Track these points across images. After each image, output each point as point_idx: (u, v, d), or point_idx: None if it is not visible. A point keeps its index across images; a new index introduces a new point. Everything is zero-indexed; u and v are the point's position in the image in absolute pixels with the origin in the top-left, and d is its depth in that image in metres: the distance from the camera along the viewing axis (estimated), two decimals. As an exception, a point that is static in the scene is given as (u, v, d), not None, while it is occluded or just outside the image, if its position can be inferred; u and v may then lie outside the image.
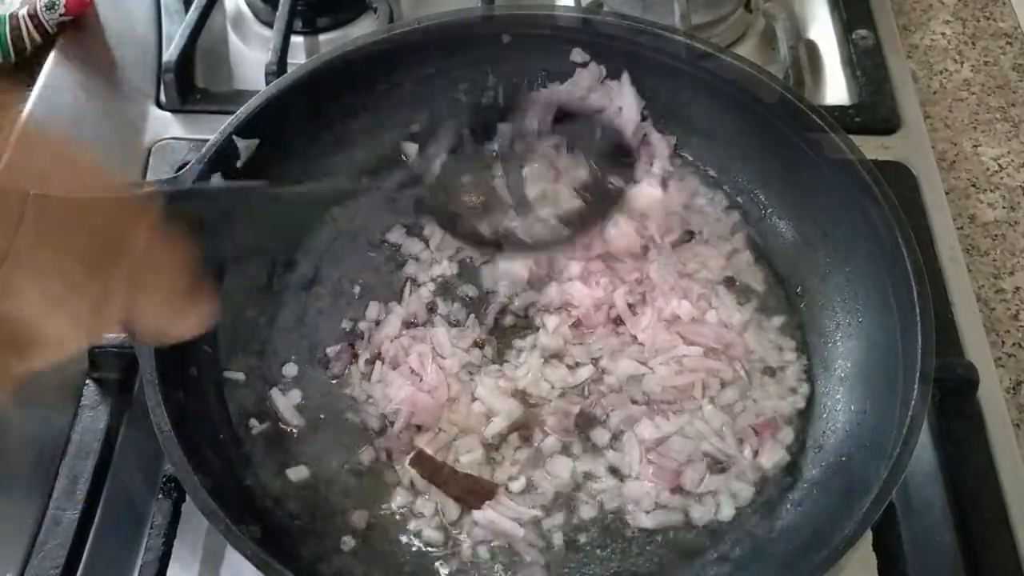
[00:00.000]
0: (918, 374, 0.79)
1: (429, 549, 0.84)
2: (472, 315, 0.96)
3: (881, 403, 0.84)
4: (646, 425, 0.88)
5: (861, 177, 0.89)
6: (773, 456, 0.88)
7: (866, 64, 1.18)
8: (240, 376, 0.92)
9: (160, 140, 1.13)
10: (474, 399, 0.90)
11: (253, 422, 0.90)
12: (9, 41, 1.19)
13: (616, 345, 0.93)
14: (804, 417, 0.91)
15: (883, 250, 0.87)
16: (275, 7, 1.17)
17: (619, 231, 0.97)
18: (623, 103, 1.02)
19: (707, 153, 1.05)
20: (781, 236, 1.01)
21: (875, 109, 1.14)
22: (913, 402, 0.78)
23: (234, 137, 0.91)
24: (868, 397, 0.86)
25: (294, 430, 0.91)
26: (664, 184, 1.01)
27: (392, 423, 0.90)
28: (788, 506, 0.85)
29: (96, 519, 0.86)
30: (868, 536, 0.75)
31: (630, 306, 0.95)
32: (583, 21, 1.00)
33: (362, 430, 0.91)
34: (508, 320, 0.96)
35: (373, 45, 0.99)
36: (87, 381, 0.91)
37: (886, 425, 0.79)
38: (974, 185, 1.15)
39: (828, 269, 0.95)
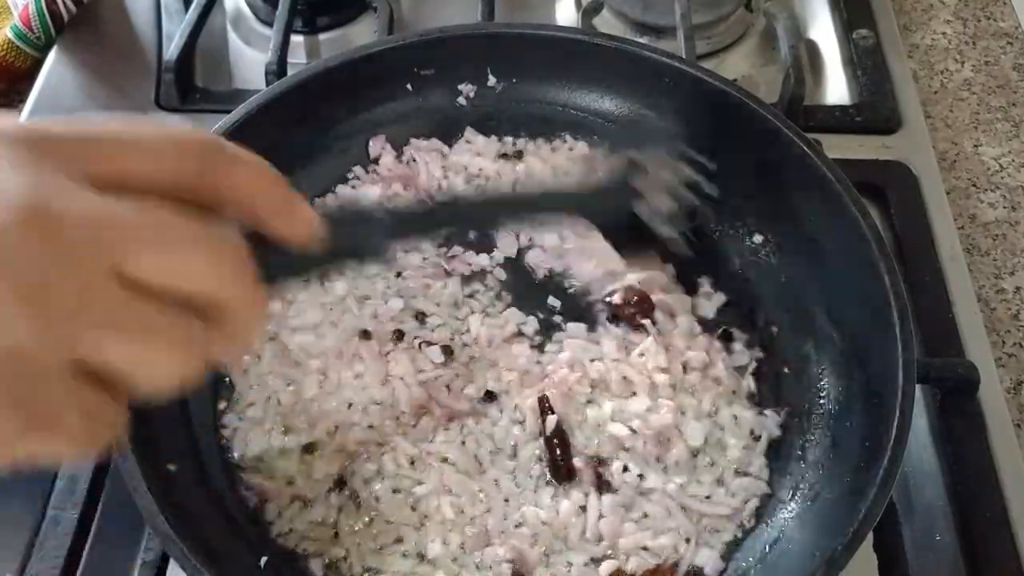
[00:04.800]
0: (900, 366, 0.80)
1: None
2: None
3: (872, 404, 0.83)
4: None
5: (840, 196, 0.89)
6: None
7: (867, 64, 1.18)
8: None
9: (160, 140, 1.13)
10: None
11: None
12: (46, 11, 1.19)
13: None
14: (788, 429, 0.90)
15: (858, 252, 0.87)
16: (275, 6, 1.17)
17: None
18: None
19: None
20: (761, 251, 1.00)
21: (876, 109, 1.14)
22: (900, 395, 0.78)
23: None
24: (859, 399, 0.86)
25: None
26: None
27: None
28: (787, 513, 0.85)
29: (96, 519, 0.86)
30: (868, 536, 0.75)
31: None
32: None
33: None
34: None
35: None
36: (87, 381, 0.91)
37: (880, 424, 0.79)
38: (975, 185, 1.15)
39: (816, 278, 0.94)
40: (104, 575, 0.85)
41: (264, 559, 0.81)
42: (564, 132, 1.06)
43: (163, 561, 0.81)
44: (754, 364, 0.93)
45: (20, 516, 0.86)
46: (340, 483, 0.86)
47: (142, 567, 0.81)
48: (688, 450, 0.87)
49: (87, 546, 0.85)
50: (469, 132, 1.05)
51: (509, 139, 1.06)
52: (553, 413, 0.88)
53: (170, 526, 0.72)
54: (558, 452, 0.86)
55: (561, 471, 0.86)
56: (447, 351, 0.92)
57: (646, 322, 0.94)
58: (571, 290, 0.98)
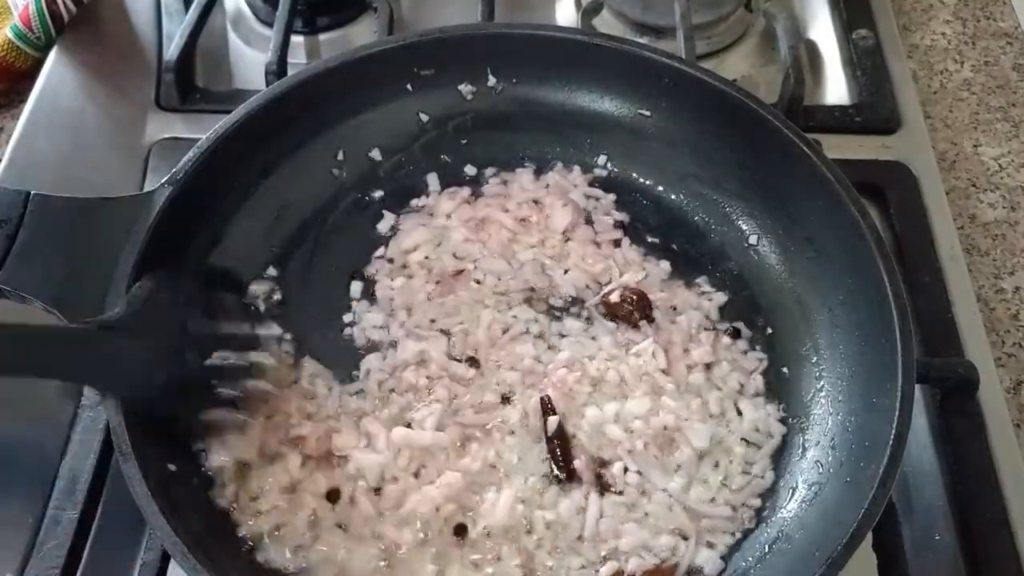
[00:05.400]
0: (900, 366, 0.80)
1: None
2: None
3: (872, 403, 0.84)
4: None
5: (840, 196, 0.89)
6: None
7: (866, 64, 1.18)
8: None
9: (160, 140, 1.13)
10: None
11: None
12: (46, 11, 1.20)
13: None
14: (789, 430, 0.90)
15: (858, 252, 0.87)
16: (275, 7, 1.17)
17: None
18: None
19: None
20: (762, 250, 1.00)
21: (875, 109, 1.15)
22: (900, 395, 0.78)
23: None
24: (859, 399, 0.86)
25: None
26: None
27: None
28: (786, 513, 0.85)
29: (96, 519, 0.87)
30: (868, 536, 0.75)
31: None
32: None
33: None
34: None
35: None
36: (87, 381, 0.91)
37: (880, 424, 0.79)
38: (974, 185, 1.15)
39: (816, 279, 0.95)
40: (104, 575, 0.85)
41: (263, 558, 0.81)
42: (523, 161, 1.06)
43: (163, 561, 0.81)
44: (764, 364, 0.93)
45: (20, 516, 0.86)
46: (334, 494, 0.85)
47: (142, 567, 0.81)
48: (693, 451, 0.87)
49: (87, 546, 0.85)
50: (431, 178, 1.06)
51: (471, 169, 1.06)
52: (555, 414, 0.88)
53: (170, 526, 0.72)
54: (559, 453, 0.87)
55: (562, 471, 0.86)
56: (474, 363, 0.93)
57: (643, 323, 0.94)
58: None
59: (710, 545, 0.84)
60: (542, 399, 0.89)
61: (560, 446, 0.87)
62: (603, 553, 0.83)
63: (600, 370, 0.91)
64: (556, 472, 0.86)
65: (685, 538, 0.83)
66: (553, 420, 0.88)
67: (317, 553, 0.82)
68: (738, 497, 0.86)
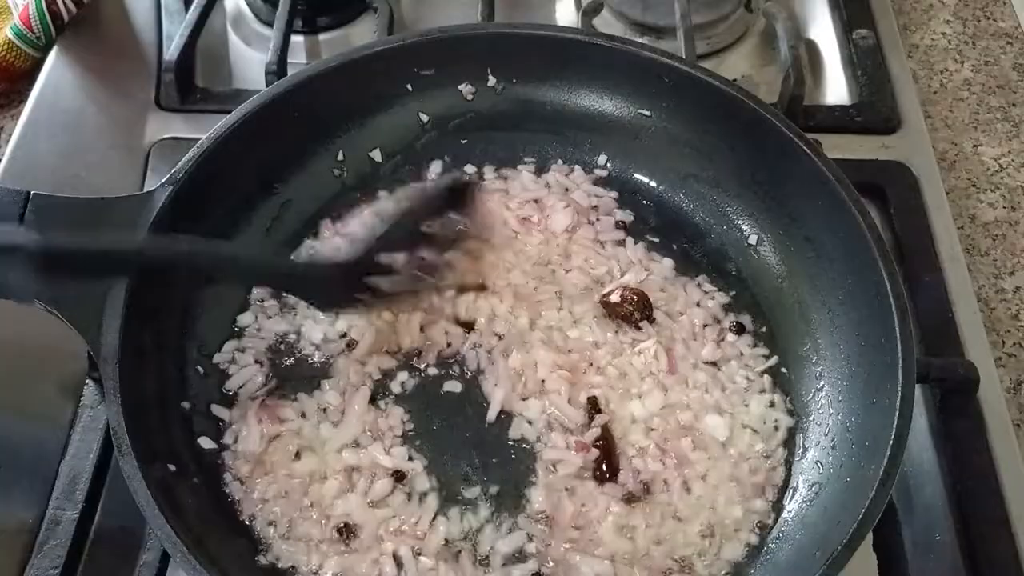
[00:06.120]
0: (900, 366, 0.80)
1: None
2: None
3: (872, 403, 0.84)
4: None
5: (840, 196, 0.90)
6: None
7: (866, 64, 1.18)
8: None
9: (160, 140, 1.13)
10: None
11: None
12: (46, 11, 1.20)
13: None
14: (796, 425, 0.90)
15: (858, 252, 0.87)
16: (275, 7, 1.17)
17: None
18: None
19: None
20: (762, 250, 1.00)
21: (876, 109, 1.15)
22: (900, 395, 0.79)
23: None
24: (859, 399, 0.86)
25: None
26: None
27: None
28: (786, 513, 0.85)
29: (96, 519, 0.87)
30: (868, 536, 0.75)
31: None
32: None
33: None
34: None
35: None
36: (87, 381, 0.91)
37: (880, 424, 0.79)
38: (974, 185, 1.15)
39: (816, 279, 0.95)
40: (104, 575, 0.85)
41: (263, 558, 0.81)
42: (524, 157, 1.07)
43: (163, 561, 0.81)
44: (771, 362, 0.93)
45: (20, 516, 0.86)
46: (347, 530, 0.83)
47: (142, 567, 0.81)
48: (708, 450, 0.87)
49: (87, 546, 0.85)
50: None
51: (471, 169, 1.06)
52: (600, 412, 0.89)
53: (170, 526, 0.72)
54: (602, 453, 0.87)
55: (608, 472, 0.86)
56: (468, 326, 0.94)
57: (644, 323, 0.94)
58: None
59: (738, 540, 0.84)
60: (590, 398, 0.90)
61: (605, 446, 0.87)
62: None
63: (603, 364, 0.92)
64: (600, 473, 0.86)
65: (711, 536, 0.84)
66: (601, 418, 0.88)
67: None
68: (754, 490, 0.86)
